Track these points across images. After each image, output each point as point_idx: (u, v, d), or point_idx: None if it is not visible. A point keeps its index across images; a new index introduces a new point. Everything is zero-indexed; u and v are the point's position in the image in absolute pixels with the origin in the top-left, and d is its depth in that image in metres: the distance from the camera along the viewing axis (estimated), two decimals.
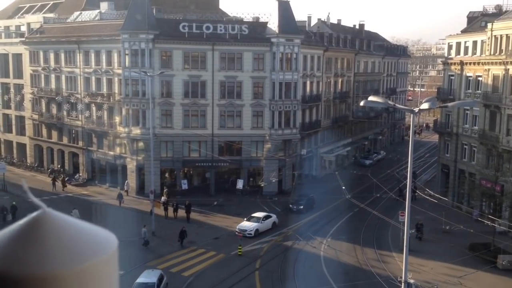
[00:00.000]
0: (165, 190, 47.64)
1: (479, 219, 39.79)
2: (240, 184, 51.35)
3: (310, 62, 56.35)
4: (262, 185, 51.02)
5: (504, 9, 50.58)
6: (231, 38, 50.68)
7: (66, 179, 54.22)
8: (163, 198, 45.97)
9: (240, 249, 35.78)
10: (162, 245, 37.41)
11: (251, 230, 39.28)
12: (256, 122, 52.09)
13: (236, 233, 39.14)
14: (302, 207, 45.69)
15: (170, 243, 37.72)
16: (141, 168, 51.01)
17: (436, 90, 60.51)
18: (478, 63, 45.11)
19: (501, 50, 41.95)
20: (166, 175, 52.84)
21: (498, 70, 41.81)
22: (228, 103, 51.43)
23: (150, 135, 43.13)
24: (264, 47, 51.22)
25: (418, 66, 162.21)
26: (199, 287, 30.11)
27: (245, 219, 41.07)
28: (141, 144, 50.84)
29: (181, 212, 43.55)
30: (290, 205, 46.35)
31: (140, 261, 33.77)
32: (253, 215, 41.57)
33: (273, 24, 51.32)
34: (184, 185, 50.78)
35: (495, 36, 42.76)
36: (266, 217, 41.48)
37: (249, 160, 52.08)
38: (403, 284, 18.25)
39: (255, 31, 51.64)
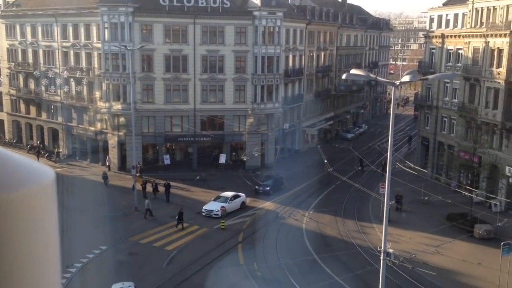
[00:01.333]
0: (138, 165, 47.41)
1: (457, 190, 40.61)
2: (222, 158, 51.46)
3: (293, 35, 56.01)
4: (245, 159, 51.15)
5: None
6: (212, 11, 50.02)
7: (46, 155, 53.64)
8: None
9: (223, 223, 36.09)
10: (145, 220, 37.49)
11: (217, 211, 37.87)
12: (239, 97, 51.90)
13: (203, 214, 38.24)
14: (268, 188, 43.90)
15: (153, 218, 37.84)
16: (123, 143, 50.66)
17: (417, 63, 60.84)
18: (459, 36, 45.35)
19: (481, 23, 42.18)
20: (148, 150, 52.68)
21: (479, 43, 42.11)
22: (210, 78, 51.06)
23: (131, 110, 42.70)
24: (246, 20, 50.67)
25: (400, 40, 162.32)
26: (182, 261, 30.36)
27: (212, 199, 40.17)
28: (122, 119, 50.40)
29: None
30: (256, 187, 44.54)
31: (123, 236, 33.94)
32: (220, 194, 40.45)
33: None
34: (167, 160, 50.70)
35: (476, 8, 42.91)
36: (235, 197, 40.03)
37: (231, 134, 52.08)
38: (382, 254, 18.65)
39: (237, 4, 50.96)
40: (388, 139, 19.64)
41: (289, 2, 62.01)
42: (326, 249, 32.61)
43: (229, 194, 40.43)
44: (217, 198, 40.02)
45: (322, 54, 64.48)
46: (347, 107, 74.93)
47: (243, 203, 40.45)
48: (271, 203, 41.82)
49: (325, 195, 44.76)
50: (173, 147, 53.57)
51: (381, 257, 18.68)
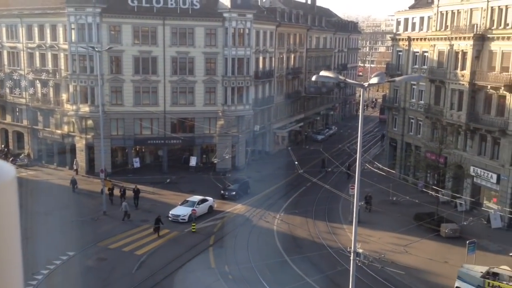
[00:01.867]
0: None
1: (424, 190, 41.47)
2: (193, 161, 51.19)
3: (263, 37, 56.18)
4: (216, 161, 51.00)
5: None
6: (182, 13, 49.76)
7: (11, 159, 52.21)
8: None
9: (194, 226, 35.86)
10: (114, 224, 36.90)
11: (184, 216, 37.16)
12: (209, 99, 51.74)
13: (169, 219, 37.29)
14: (234, 193, 42.98)
15: (122, 222, 37.28)
16: (91, 146, 49.76)
17: (385, 65, 61.85)
18: (425, 39, 46.35)
19: (446, 26, 43.21)
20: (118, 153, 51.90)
21: (443, 46, 43.13)
22: (180, 80, 50.73)
23: (99, 112, 41.95)
24: (216, 22, 50.57)
25: (368, 42, 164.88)
26: (153, 265, 29.98)
27: (179, 203, 39.38)
28: (90, 122, 49.53)
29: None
30: (222, 191, 43.50)
31: (91, 241, 33.31)
32: (188, 199, 39.64)
33: None
34: (136, 163, 50.08)
35: (440, 12, 43.95)
36: (202, 201, 39.14)
37: (202, 137, 51.84)
38: (352, 254, 18.84)
39: (207, 6, 50.80)
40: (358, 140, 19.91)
41: (259, 4, 62.26)
42: (297, 251, 32.77)
43: (196, 198, 39.59)
44: (184, 203, 39.17)
45: (292, 56, 64.89)
46: (317, 108, 75.59)
47: (210, 207, 39.75)
48: (242, 206, 41.79)
49: (296, 196, 45.01)
50: (143, 150, 52.99)
51: (351, 258, 18.86)
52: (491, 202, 38.98)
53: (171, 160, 51.81)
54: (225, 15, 50.23)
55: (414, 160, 45.25)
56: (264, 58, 56.85)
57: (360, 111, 18.67)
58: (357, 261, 19.63)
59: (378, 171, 41.62)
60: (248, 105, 52.82)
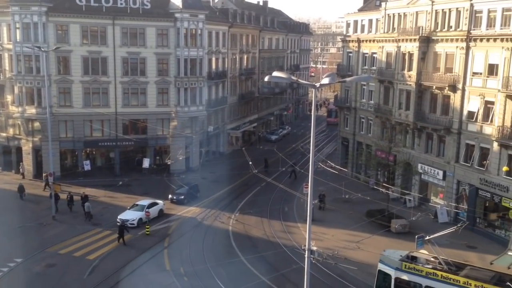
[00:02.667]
0: (44, 174, 45.33)
1: (375, 187, 42.55)
2: (146, 163, 50.46)
3: (215, 38, 56.06)
4: (169, 163, 50.47)
5: None
6: (132, 13, 49.04)
7: None
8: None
9: (147, 228, 35.31)
10: (63, 229, 35.77)
11: (133, 220, 36.26)
12: (162, 100, 51.17)
13: (117, 224, 35.70)
14: (182, 197, 42.12)
15: (72, 226, 36.26)
16: (38, 150, 48.12)
17: (336, 66, 63.09)
18: (373, 41, 47.61)
19: (393, 28, 44.56)
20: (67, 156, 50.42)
21: (391, 47, 44.45)
22: (132, 80, 49.89)
23: (47, 114, 40.57)
24: (168, 22, 50.04)
25: (319, 44, 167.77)
26: (105, 270, 29.28)
27: (128, 207, 38.44)
28: (37, 124, 48.00)
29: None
30: (170, 195, 42.65)
31: (40, 247, 32.19)
32: (137, 202, 38.70)
33: None
34: (87, 166, 48.84)
35: (388, 15, 45.27)
36: (152, 205, 38.27)
37: (155, 138, 51.18)
38: (306, 252, 19.08)
39: (158, 6, 50.22)
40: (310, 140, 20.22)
41: (211, 4, 62.10)
42: (253, 250, 32.87)
43: (146, 201, 38.77)
44: (133, 207, 38.23)
45: (245, 56, 65.10)
46: (270, 109, 76.18)
47: (161, 210, 38.92)
48: (196, 207, 41.53)
49: (251, 196, 45.17)
50: (94, 152, 51.74)
51: (306, 255, 19.11)
52: (438, 198, 40.50)
53: (123, 162, 50.86)
54: (177, 15, 49.82)
55: (365, 159, 46.36)
56: (217, 59, 56.75)
57: (312, 111, 18.96)
58: (312, 259, 19.91)
59: (331, 170, 42.38)
60: (202, 106, 52.59)
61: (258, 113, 71.10)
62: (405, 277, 23.54)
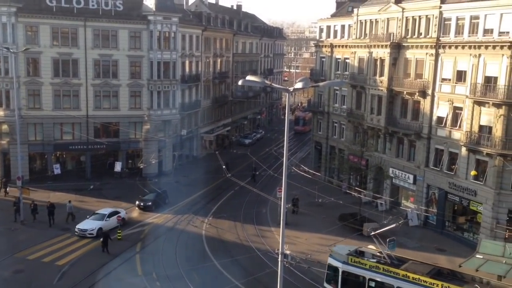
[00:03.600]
0: (1, 180, 44.62)
1: (348, 191, 43.04)
2: (118, 166, 49.80)
3: (189, 41, 55.84)
4: (142, 166, 49.94)
5: None
6: (104, 14, 48.47)
7: None
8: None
9: (119, 233, 34.81)
10: (32, 234, 34.93)
11: (92, 230, 34.40)
12: (134, 103, 50.66)
13: (76, 234, 34.58)
14: (150, 203, 40.85)
15: (41, 231, 35.44)
16: (6, 153, 46.99)
17: (309, 71, 63.63)
18: (346, 46, 48.23)
19: (365, 34, 45.24)
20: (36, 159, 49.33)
21: (363, 53, 45.10)
22: (104, 83, 49.23)
23: (15, 117, 39.62)
24: (140, 24, 49.61)
25: (293, 48, 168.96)
26: (75, 276, 28.70)
27: (88, 216, 36.63)
28: (5, 127, 46.94)
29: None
30: (137, 202, 41.33)
31: (7, 252, 31.36)
32: (97, 211, 36.87)
33: (150, 1, 49.89)
34: (57, 169, 47.88)
35: (360, 21, 45.95)
36: (113, 214, 36.45)
37: (127, 141, 50.58)
38: (280, 255, 19.12)
39: (131, 8, 49.78)
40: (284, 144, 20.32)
41: (185, 7, 61.85)
42: (226, 254, 32.77)
43: (106, 210, 36.89)
44: (92, 215, 36.46)
45: (219, 60, 65.03)
46: (244, 113, 76.23)
47: (123, 219, 36.77)
48: (169, 212, 41.16)
49: (225, 200, 45.05)
50: (64, 156, 50.80)
51: (279, 259, 19.15)
52: (409, 202, 41.20)
53: (95, 166, 50.10)
54: (150, 18, 49.45)
55: (338, 163, 46.87)
56: (190, 62, 56.51)
57: (286, 115, 19.06)
58: (285, 262, 19.96)
59: (305, 174, 42.63)
60: (175, 109, 52.26)
61: (232, 117, 71.06)
62: (351, 270, 25.03)
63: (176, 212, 41.05)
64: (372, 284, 24.43)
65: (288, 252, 22.61)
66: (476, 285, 21.91)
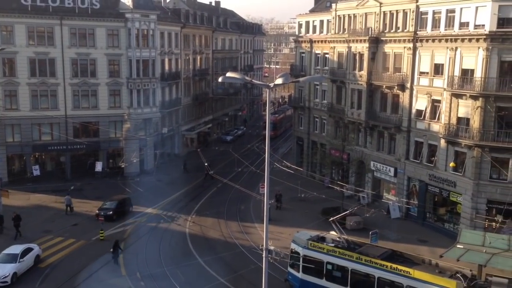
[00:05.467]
0: None
1: (330, 185, 43.30)
2: (99, 166, 49.28)
3: (168, 39, 55.42)
4: (123, 166, 49.48)
5: None
6: (81, 13, 47.86)
7: None
8: None
9: (102, 233, 34.48)
10: (11, 237, 34.29)
11: (5, 277, 27.19)
12: (114, 102, 50.19)
13: None
14: (111, 213, 37.76)
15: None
16: None
17: (289, 66, 63.74)
18: (325, 41, 48.43)
19: (344, 29, 45.48)
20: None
21: (342, 48, 45.36)
22: (82, 82, 48.62)
23: None
24: (118, 22, 49.08)
25: (272, 44, 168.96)
26: (58, 278, 28.36)
27: None
28: None
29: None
30: (97, 211, 37.85)
31: None
32: (5, 251, 29.38)
33: None
34: (36, 171, 47.20)
35: (338, 16, 46.17)
36: (25, 252, 29.45)
37: (108, 141, 50.08)
38: (264, 251, 19.18)
39: (108, 6, 49.22)
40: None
41: (163, 5, 61.37)
42: (210, 252, 32.73)
43: (17, 249, 29.49)
44: (2, 257, 28.93)
45: (198, 57, 64.72)
46: (225, 110, 76.04)
47: (37, 256, 30.46)
48: (152, 209, 40.94)
49: (207, 198, 44.97)
50: (43, 157, 50.05)
51: (263, 255, 19.20)
52: (390, 194, 41.68)
53: (75, 166, 49.51)
54: (128, 15, 48.95)
55: (320, 157, 47.10)
56: (170, 60, 56.12)
57: (267, 111, 19.08)
58: (269, 258, 20.02)
59: (287, 170, 42.76)
60: (155, 108, 51.89)
61: (213, 114, 70.83)
62: (311, 254, 26.28)
63: (159, 210, 40.79)
64: (330, 267, 25.82)
65: (272, 247, 22.65)
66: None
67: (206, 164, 46.27)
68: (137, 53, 49.45)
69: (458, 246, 25.12)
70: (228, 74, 17.85)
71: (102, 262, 30.74)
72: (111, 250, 30.74)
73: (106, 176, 49.09)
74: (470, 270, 23.44)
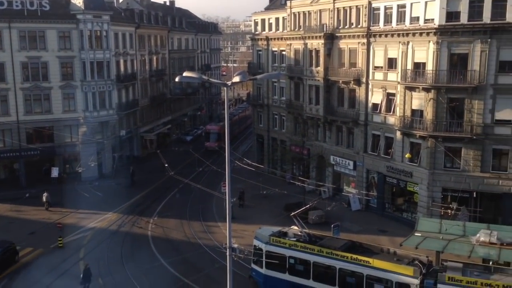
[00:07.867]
0: None
1: (292, 181, 43.70)
2: (55, 172, 47.87)
3: (122, 40, 54.43)
4: (80, 170, 48.26)
5: None
6: (30, 15, 46.38)
7: None
8: None
9: (60, 240, 33.54)
10: None
11: None
12: (68, 105, 48.91)
13: None
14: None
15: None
16: None
17: (247, 64, 63.82)
18: (281, 39, 48.76)
19: (299, 26, 45.92)
20: None
21: (299, 45, 45.79)
22: (34, 86, 47.14)
23: None
24: (69, 24, 47.82)
25: (229, 43, 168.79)
26: None
27: None
28: None
29: None
30: None
31: None
32: None
33: (78, 0, 48.12)
34: None
35: (293, 13, 46.57)
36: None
37: (63, 146, 48.74)
38: (228, 250, 19.14)
39: (58, 7, 47.89)
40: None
41: (115, 5, 60.20)
42: (174, 253, 32.42)
43: None
44: None
45: (155, 58, 63.88)
46: (184, 110, 75.41)
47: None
48: (113, 214, 40.14)
49: (169, 199, 44.49)
50: None
51: (227, 253, 19.17)
52: (350, 187, 42.44)
53: (30, 173, 47.88)
54: (79, 16, 47.75)
55: (280, 154, 47.42)
56: (125, 61, 55.13)
57: (226, 109, 19.02)
58: (233, 256, 19.99)
59: (248, 167, 42.82)
60: (112, 110, 50.88)
61: (172, 115, 70.11)
62: (273, 250, 26.51)
63: (120, 214, 40.02)
64: (292, 261, 26.07)
65: (236, 245, 22.66)
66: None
67: (166, 165, 45.69)
68: (91, 55, 48.32)
69: (416, 234, 25.85)
70: (185, 74, 17.67)
71: (62, 269, 29.90)
72: (81, 276, 27.19)
73: (62, 182, 47.73)
74: (427, 257, 24.19)
